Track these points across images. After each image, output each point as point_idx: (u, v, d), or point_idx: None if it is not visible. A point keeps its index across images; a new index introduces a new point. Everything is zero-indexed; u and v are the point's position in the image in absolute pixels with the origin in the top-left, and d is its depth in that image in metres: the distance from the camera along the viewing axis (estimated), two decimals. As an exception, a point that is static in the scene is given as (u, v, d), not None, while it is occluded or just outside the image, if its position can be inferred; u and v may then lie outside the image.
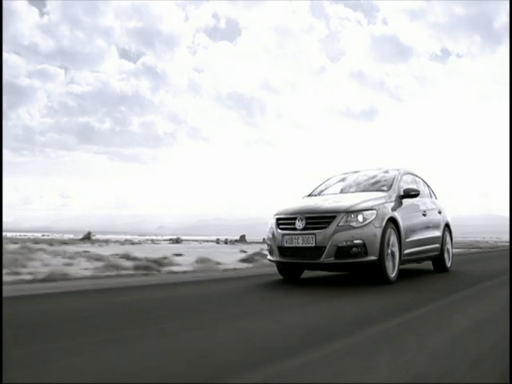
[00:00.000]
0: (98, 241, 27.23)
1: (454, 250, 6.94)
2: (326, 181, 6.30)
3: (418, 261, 5.89)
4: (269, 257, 5.08)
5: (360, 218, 4.47)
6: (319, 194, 5.85)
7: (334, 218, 4.48)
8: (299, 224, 4.61)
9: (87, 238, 29.66)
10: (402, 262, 4.95)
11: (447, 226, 6.49)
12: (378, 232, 4.48)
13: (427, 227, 5.74)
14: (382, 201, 4.85)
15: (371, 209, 4.56)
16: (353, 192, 5.61)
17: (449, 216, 6.67)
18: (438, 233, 6.13)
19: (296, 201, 5.38)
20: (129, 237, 50.97)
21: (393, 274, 4.68)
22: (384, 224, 4.55)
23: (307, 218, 4.60)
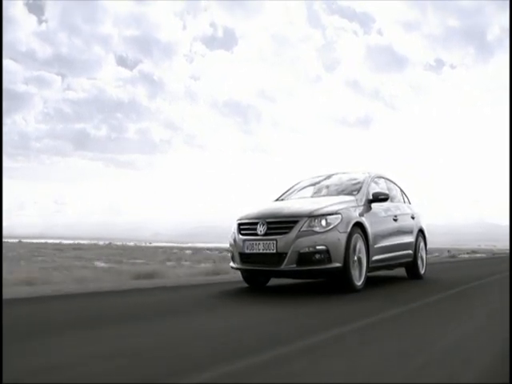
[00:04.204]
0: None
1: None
2: (295, 184, 6.07)
3: (390, 267, 5.68)
4: (231, 264, 4.85)
5: (323, 222, 4.25)
6: (287, 198, 5.65)
7: (296, 222, 4.26)
8: (260, 229, 4.39)
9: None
10: (370, 269, 4.73)
11: (421, 231, 6.26)
12: (343, 237, 4.26)
13: (398, 233, 5.51)
14: (349, 205, 4.65)
15: (335, 213, 4.35)
16: (322, 196, 5.41)
17: (423, 221, 6.44)
18: (410, 238, 5.91)
19: (260, 205, 5.13)
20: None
21: (359, 282, 4.45)
22: (349, 229, 4.33)
23: (268, 223, 4.38)
